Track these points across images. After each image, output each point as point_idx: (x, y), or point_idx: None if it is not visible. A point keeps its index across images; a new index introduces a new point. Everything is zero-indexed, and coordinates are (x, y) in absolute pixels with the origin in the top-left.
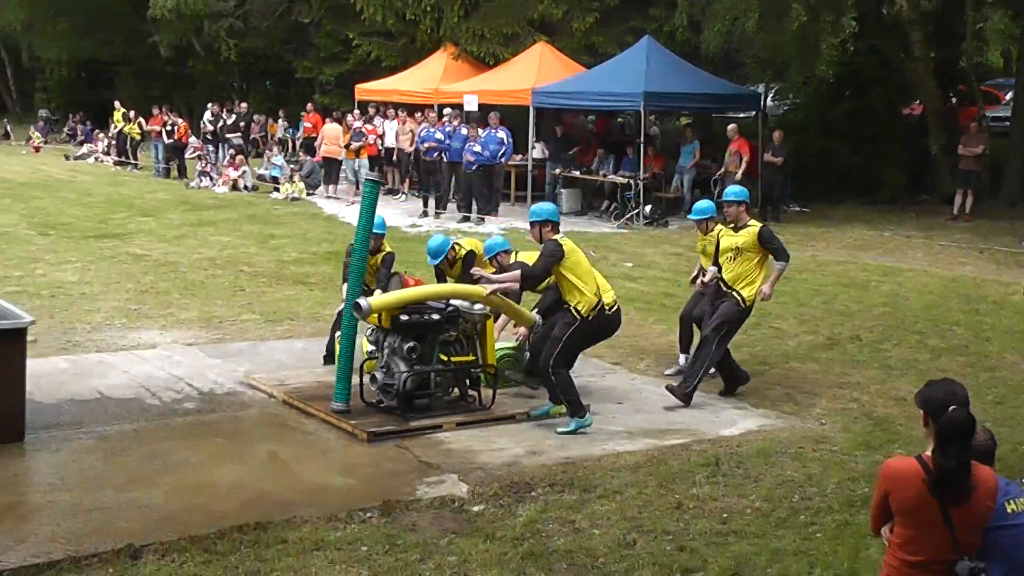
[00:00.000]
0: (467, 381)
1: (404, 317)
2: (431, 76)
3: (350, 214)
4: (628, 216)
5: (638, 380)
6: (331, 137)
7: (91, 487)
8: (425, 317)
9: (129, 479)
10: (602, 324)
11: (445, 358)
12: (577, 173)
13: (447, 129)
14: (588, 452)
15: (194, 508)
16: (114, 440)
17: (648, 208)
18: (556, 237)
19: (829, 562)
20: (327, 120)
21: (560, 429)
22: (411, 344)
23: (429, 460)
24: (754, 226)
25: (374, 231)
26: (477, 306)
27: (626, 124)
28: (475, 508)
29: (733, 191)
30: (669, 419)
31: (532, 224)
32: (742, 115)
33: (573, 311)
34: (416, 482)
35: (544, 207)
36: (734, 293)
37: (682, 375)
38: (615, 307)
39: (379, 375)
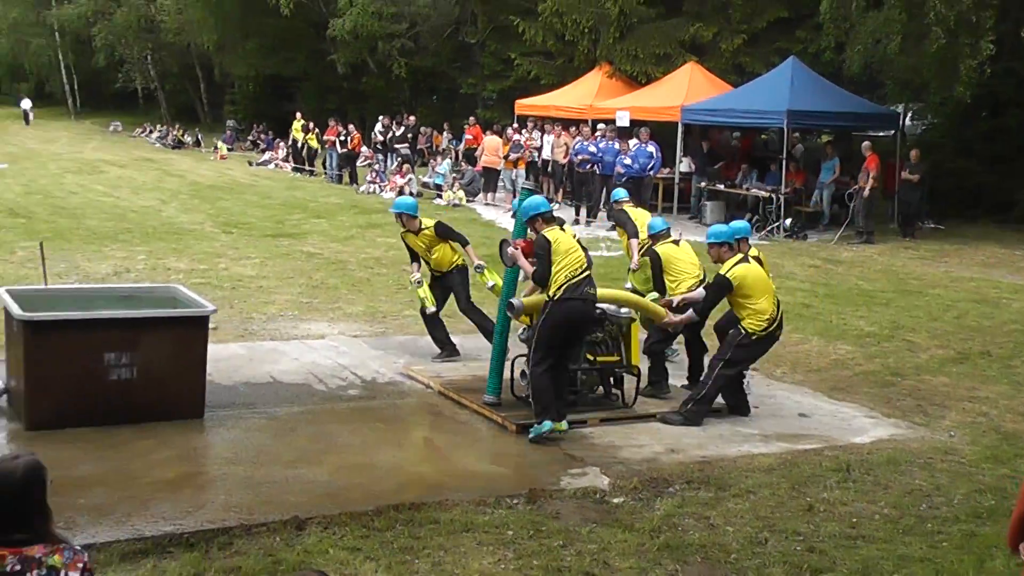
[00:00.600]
0: (611, 380)
1: None
2: (586, 93)
3: (506, 220)
4: (768, 228)
5: (774, 386)
6: (491, 148)
7: (262, 462)
8: None
9: (296, 457)
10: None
11: (591, 358)
12: (721, 187)
13: (599, 143)
14: (724, 452)
15: (354, 486)
16: (284, 421)
17: (788, 221)
18: (547, 232)
19: (954, 571)
20: (488, 133)
21: (532, 433)
22: None
23: (573, 453)
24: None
25: (398, 210)
26: (624, 310)
27: (769, 141)
28: (615, 500)
29: (713, 231)
30: (803, 425)
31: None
32: (881, 134)
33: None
34: (560, 473)
35: (534, 200)
36: (737, 325)
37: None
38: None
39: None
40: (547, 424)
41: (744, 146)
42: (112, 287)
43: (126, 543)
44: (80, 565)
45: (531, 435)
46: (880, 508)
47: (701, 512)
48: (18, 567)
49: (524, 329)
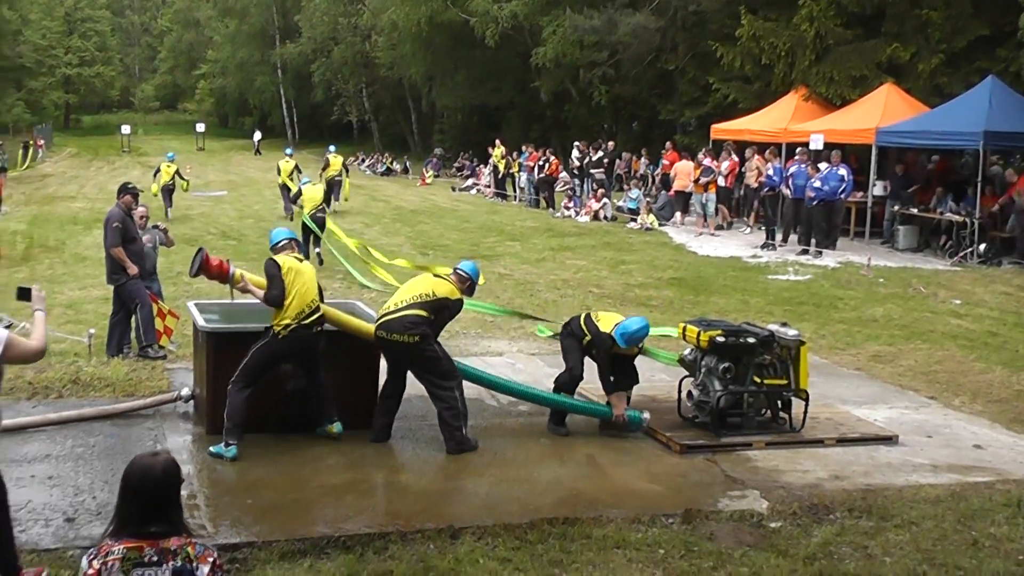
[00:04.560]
0: (779, 403)
1: (721, 339)
2: (782, 116)
3: (696, 244)
4: (961, 254)
5: (951, 415)
6: (683, 172)
7: (425, 472)
8: (741, 340)
9: (460, 468)
10: (288, 344)
11: (759, 380)
12: (915, 211)
13: (792, 167)
14: (891, 481)
15: (512, 499)
16: None
17: (982, 247)
18: (276, 257)
19: None
20: (683, 157)
21: (212, 448)
22: (726, 365)
23: (735, 475)
24: None
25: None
26: (791, 332)
27: (965, 163)
28: (773, 524)
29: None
30: (977, 456)
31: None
32: None
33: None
34: (719, 495)
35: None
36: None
37: None
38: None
39: (695, 392)
40: (233, 450)
41: (939, 168)
42: None
43: (286, 543)
44: (211, 559)
45: (212, 451)
46: None
47: (860, 542)
48: (155, 558)
49: (692, 350)
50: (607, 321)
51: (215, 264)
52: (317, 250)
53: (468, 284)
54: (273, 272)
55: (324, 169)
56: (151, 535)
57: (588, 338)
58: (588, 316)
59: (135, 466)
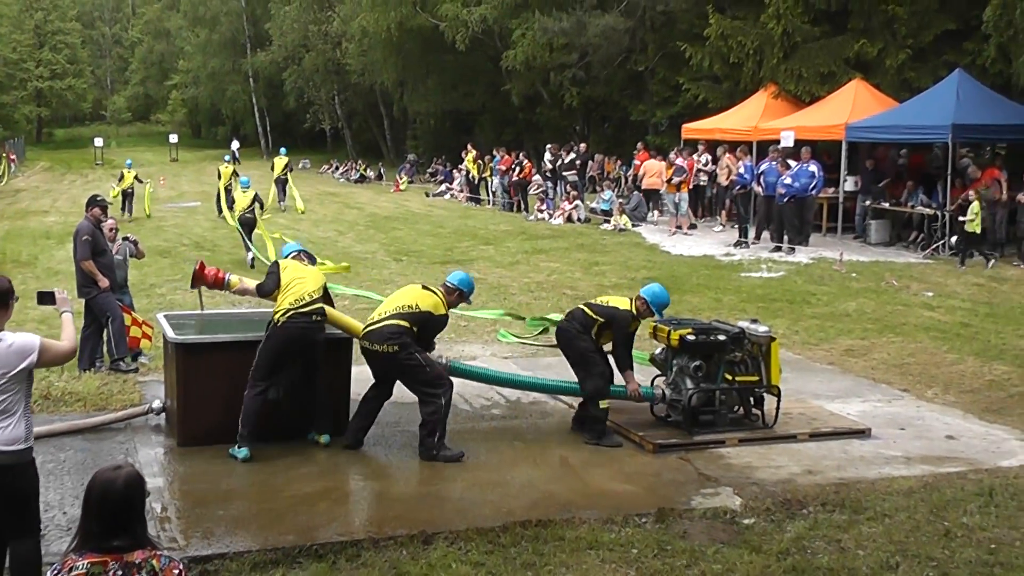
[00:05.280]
0: (751, 400)
1: (691, 337)
2: (752, 114)
3: (669, 243)
4: (933, 246)
5: (924, 407)
6: (653, 171)
7: (398, 479)
8: (711, 338)
9: (433, 474)
10: (287, 333)
11: (730, 377)
12: (886, 205)
13: (762, 165)
14: (864, 475)
15: (485, 503)
16: None
17: (954, 239)
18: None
19: None
20: (653, 157)
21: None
22: (697, 363)
23: (708, 473)
24: None
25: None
26: (762, 328)
27: (934, 157)
28: (746, 521)
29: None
30: (949, 447)
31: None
32: None
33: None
34: (693, 493)
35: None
36: None
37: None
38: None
39: (667, 391)
40: (245, 451)
41: (913, 163)
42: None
43: (258, 553)
44: (176, 571)
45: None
46: (1022, 534)
47: (833, 535)
48: (119, 572)
49: (662, 350)
50: (618, 301)
51: (211, 274)
52: (250, 255)
53: (456, 295)
54: (272, 269)
55: (272, 170)
56: (115, 549)
57: (599, 323)
58: (590, 303)
59: (97, 480)
